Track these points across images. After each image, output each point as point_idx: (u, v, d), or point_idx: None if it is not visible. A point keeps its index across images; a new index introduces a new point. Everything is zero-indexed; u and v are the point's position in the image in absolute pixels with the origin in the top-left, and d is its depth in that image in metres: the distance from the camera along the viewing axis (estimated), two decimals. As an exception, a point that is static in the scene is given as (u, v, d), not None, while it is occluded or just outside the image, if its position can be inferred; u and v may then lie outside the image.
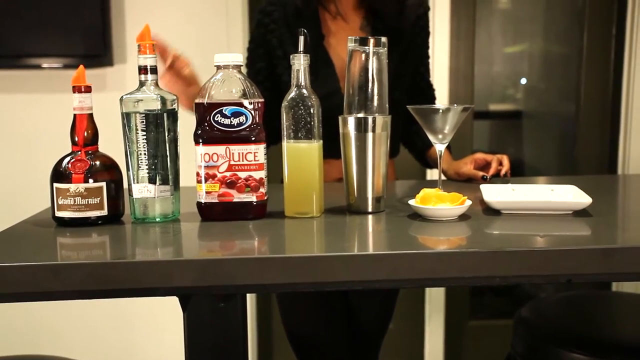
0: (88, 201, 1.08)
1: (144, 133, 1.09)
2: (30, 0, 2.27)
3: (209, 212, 1.12)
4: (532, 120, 2.83)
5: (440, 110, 1.22)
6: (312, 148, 1.13)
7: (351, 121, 1.16)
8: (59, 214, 1.09)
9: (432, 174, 2.48)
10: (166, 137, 1.11)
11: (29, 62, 2.33)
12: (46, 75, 2.36)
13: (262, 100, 1.12)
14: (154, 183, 1.11)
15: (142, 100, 1.10)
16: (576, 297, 1.80)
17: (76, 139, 1.11)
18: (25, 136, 2.40)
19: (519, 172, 2.75)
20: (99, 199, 1.09)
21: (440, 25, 2.50)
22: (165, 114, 1.10)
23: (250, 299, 2.55)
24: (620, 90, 2.59)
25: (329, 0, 1.57)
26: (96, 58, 2.30)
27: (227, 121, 1.10)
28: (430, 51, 1.74)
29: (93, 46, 2.30)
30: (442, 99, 2.51)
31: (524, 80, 2.78)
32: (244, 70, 1.22)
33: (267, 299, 2.62)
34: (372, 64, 1.16)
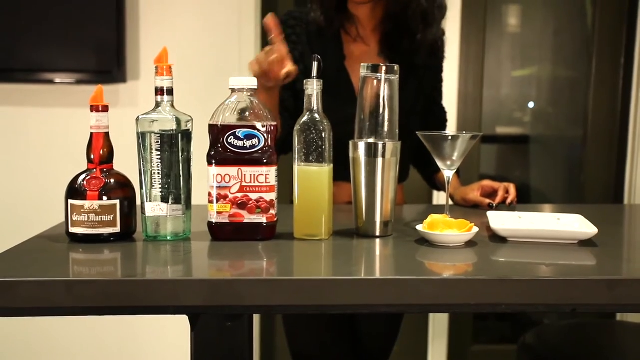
0: (101, 218, 1.10)
1: (159, 153, 1.12)
2: (45, 15, 2.31)
3: (219, 232, 1.14)
4: (539, 145, 2.84)
5: (449, 138, 1.23)
6: (323, 172, 1.15)
7: (362, 146, 1.18)
8: (72, 229, 1.11)
9: (440, 199, 2.50)
10: (180, 157, 1.13)
11: (42, 77, 2.36)
12: (59, 90, 2.40)
13: (274, 123, 1.14)
14: (167, 202, 1.13)
15: (157, 120, 1.12)
16: (580, 325, 1.80)
17: (92, 156, 1.13)
18: (37, 150, 2.43)
19: (525, 197, 2.76)
20: (112, 216, 1.10)
21: (450, 50, 2.51)
22: (179, 135, 1.13)
23: (255, 317, 2.55)
24: (627, 118, 2.60)
25: (350, 23, 1.59)
26: (109, 74, 2.33)
27: (240, 143, 1.12)
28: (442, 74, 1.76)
29: (106, 62, 2.33)
30: (450, 123, 2.52)
31: (531, 104, 2.80)
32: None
33: (271, 318, 2.62)
34: (384, 91, 1.19)
